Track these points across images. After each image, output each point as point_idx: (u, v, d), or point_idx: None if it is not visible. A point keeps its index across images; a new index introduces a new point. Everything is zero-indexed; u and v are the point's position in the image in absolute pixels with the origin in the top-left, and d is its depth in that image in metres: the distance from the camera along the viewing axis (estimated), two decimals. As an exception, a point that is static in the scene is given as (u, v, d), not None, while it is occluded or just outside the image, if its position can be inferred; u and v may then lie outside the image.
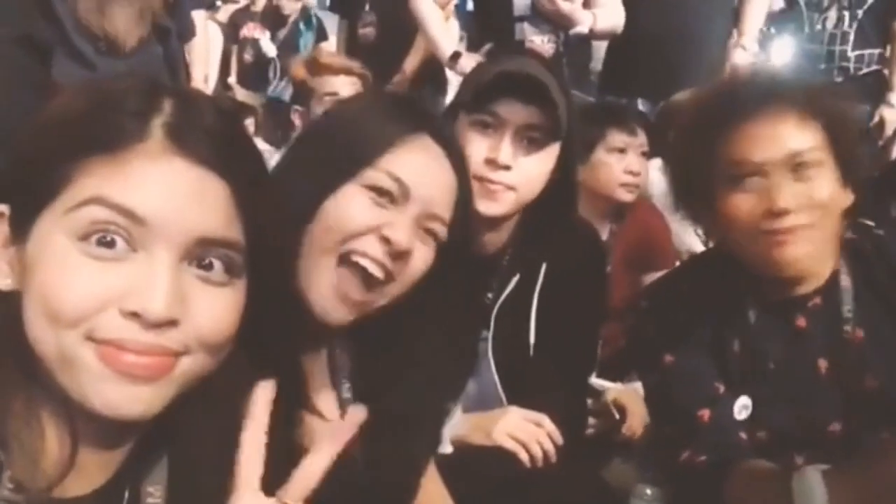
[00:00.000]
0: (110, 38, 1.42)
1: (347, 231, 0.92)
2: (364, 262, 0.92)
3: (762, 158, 1.11)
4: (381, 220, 0.92)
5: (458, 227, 0.98)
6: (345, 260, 0.92)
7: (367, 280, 0.93)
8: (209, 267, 0.63)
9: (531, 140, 1.31)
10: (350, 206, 0.93)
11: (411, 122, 0.97)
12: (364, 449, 0.97)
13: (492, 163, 1.29)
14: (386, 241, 0.92)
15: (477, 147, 1.30)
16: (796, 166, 1.10)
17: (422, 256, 0.95)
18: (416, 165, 0.95)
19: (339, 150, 0.96)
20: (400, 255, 0.92)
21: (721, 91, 1.22)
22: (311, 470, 0.65)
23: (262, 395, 0.64)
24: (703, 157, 1.15)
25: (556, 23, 2.42)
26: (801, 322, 1.18)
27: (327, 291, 0.92)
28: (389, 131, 0.96)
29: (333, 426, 0.67)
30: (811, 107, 1.13)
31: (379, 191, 0.93)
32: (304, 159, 0.99)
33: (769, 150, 1.10)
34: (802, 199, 1.09)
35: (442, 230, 0.96)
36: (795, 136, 1.11)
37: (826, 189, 1.11)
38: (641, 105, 2.72)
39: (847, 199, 1.16)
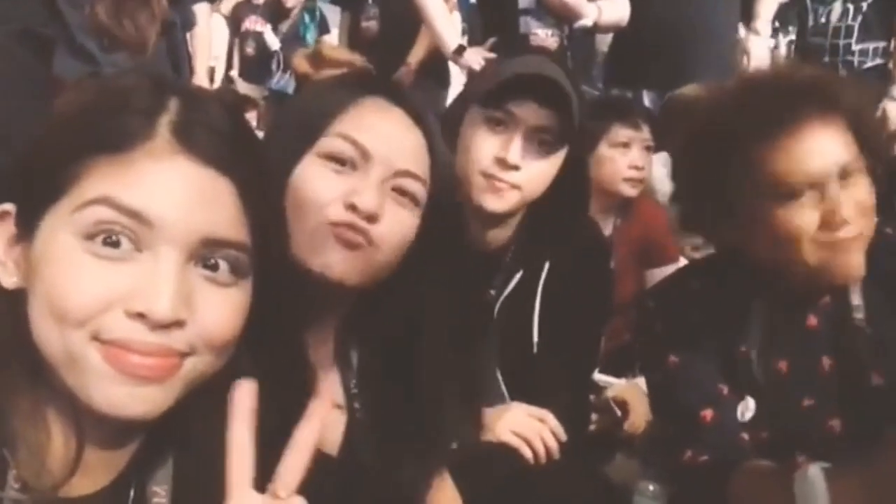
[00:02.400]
0: (135, 39, 1.42)
1: (313, 204, 0.90)
2: (338, 230, 0.89)
3: (816, 172, 1.07)
4: (344, 187, 0.90)
5: (439, 187, 0.94)
6: (324, 232, 0.90)
7: (350, 246, 0.90)
8: (215, 267, 0.63)
9: (542, 142, 1.30)
10: (310, 179, 0.90)
11: (362, 86, 0.94)
12: (371, 447, 0.97)
13: (501, 161, 1.29)
14: (352, 207, 0.89)
15: (487, 144, 1.30)
16: (846, 174, 1.08)
17: (400, 218, 0.92)
18: (372, 125, 0.92)
19: (293, 126, 0.94)
20: (370, 219, 0.89)
21: (754, 92, 1.15)
22: (296, 459, 0.64)
23: (242, 394, 0.63)
24: (738, 170, 1.10)
25: (561, 16, 2.41)
26: (812, 321, 1.18)
27: (329, 246, 0.89)
28: (339, 97, 0.93)
29: (309, 409, 0.66)
30: (846, 114, 1.10)
31: (336, 158, 0.91)
32: (269, 140, 0.98)
33: (822, 163, 1.07)
34: (856, 208, 1.08)
35: (417, 187, 0.92)
36: (839, 146, 1.09)
37: (868, 193, 1.10)
38: (647, 97, 2.70)
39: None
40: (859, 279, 1.13)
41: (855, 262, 1.09)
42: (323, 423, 0.67)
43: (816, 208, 1.08)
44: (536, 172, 1.31)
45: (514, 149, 1.28)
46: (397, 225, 0.91)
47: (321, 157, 0.91)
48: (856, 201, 1.08)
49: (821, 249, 1.09)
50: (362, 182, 0.90)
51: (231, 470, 0.63)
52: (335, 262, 0.89)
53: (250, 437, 0.63)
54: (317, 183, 0.90)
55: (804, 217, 1.09)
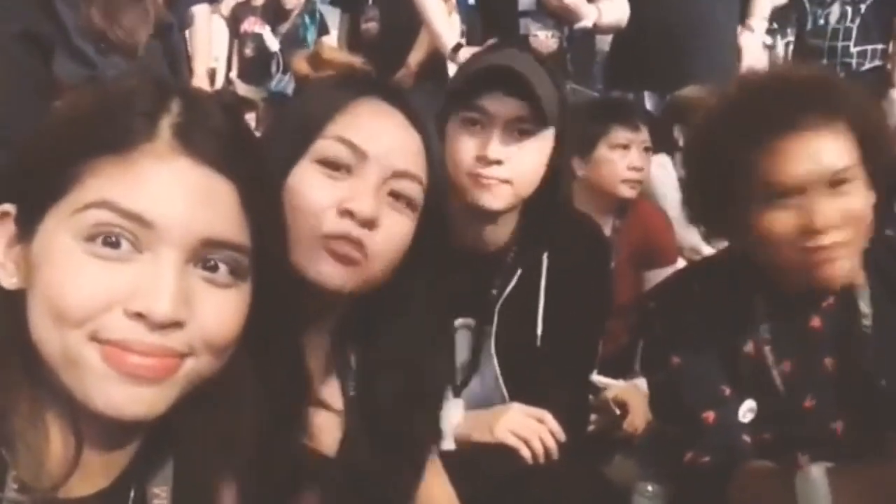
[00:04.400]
0: (122, 39, 1.41)
1: (310, 212, 0.87)
2: (333, 244, 0.87)
3: (801, 177, 1.07)
4: (340, 194, 0.87)
5: (434, 189, 0.92)
6: (320, 242, 0.88)
7: (345, 259, 0.88)
8: (214, 268, 0.63)
9: (521, 131, 1.29)
10: (305, 185, 0.88)
11: (357, 88, 0.92)
12: (368, 448, 0.98)
13: (482, 159, 1.29)
14: (349, 213, 0.86)
15: (468, 144, 1.30)
16: (835, 182, 1.08)
17: (397, 225, 0.89)
18: (368, 126, 0.90)
19: (287, 130, 0.92)
20: (367, 224, 0.86)
21: (749, 100, 1.15)
22: None
23: None
24: (735, 173, 1.11)
25: (561, 17, 2.41)
26: (816, 322, 1.18)
27: (322, 258, 0.87)
28: (334, 99, 0.91)
29: None
30: (848, 119, 1.09)
31: (331, 163, 0.88)
32: (266, 144, 0.93)
33: (808, 169, 1.07)
34: (840, 215, 1.07)
35: (414, 189, 0.90)
36: (834, 152, 1.08)
37: (861, 201, 1.09)
38: (648, 98, 2.71)
39: (873, 199, 1.15)
40: (840, 285, 1.12)
41: (836, 271, 1.08)
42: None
43: (797, 213, 1.08)
44: (523, 163, 1.30)
45: (493, 144, 1.28)
46: (394, 232, 0.89)
47: (316, 163, 0.88)
48: (845, 209, 1.07)
49: (800, 255, 1.09)
50: (359, 186, 0.87)
51: None
52: (330, 275, 0.87)
53: None
54: (311, 190, 0.88)
55: (784, 221, 1.09)
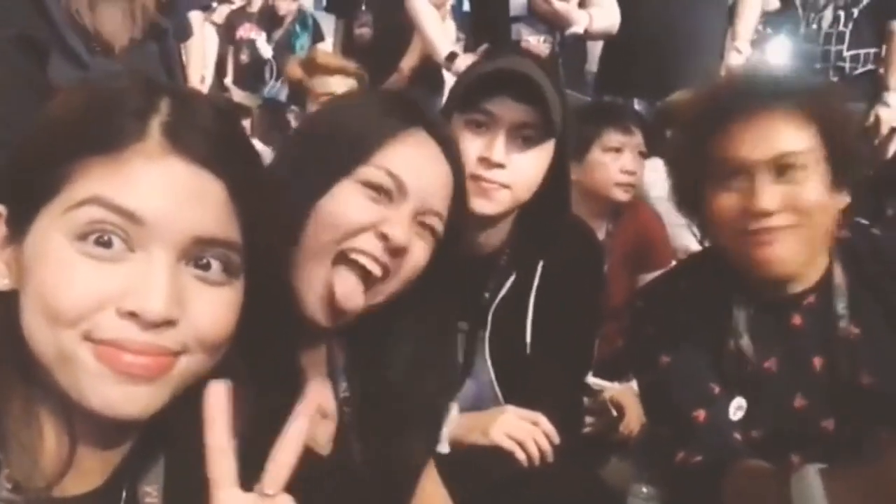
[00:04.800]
0: (102, 37, 1.41)
1: (345, 229, 0.91)
2: (363, 259, 0.91)
3: (746, 157, 1.10)
4: (379, 216, 0.92)
5: (454, 221, 0.97)
6: (342, 258, 0.92)
7: (365, 278, 0.92)
8: (207, 267, 0.64)
9: (525, 138, 1.31)
10: (347, 203, 0.92)
11: (405, 117, 0.96)
12: (361, 447, 0.98)
13: (485, 161, 1.29)
14: (384, 237, 0.91)
15: (470, 146, 1.30)
16: (782, 168, 1.09)
17: (419, 252, 0.95)
18: (412, 160, 0.94)
19: (333, 147, 0.95)
20: (398, 252, 0.92)
21: (716, 91, 1.20)
22: (284, 457, 0.64)
23: (215, 396, 0.63)
24: (695, 157, 1.15)
25: (552, 23, 2.41)
26: (797, 320, 1.18)
27: (319, 296, 0.91)
28: (383, 127, 0.95)
29: (296, 409, 0.66)
30: (808, 109, 1.11)
31: (375, 187, 0.92)
32: (296, 158, 0.98)
33: (755, 150, 1.10)
34: (787, 202, 1.09)
35: (439, 225, 0.96)
36: (785, 137, 1.10)
37: (813, 193, 1.10)
38: (637, 105, 2.72)
39: (840, 201, 1.15)
40: (784, 273, 1.13)
41: (776, 255, 1.10)
42: (311, 422, 0.67)
43: (741, 195, 1.10)
44: (523, 169, 1.31)
45: (498, 147, 1.29)
46: (415, 257, 0.94)
47: (359, 184, 0.92)
48: (790, 196, 1.09)
49: (742, 238, 1.11)
50: (396, 214, 0.92)
51: (213, 471, 0.62)
52: (322, 316, 0.92)
53: (227, 437, 0.63)
54: (353, 209, 0.92)
55: (729, 202, 1.11)
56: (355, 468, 0.97)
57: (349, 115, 0.99)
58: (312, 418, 0.66)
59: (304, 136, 1.05)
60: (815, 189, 1.11)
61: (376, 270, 0.92)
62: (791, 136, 1.10)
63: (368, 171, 0.93)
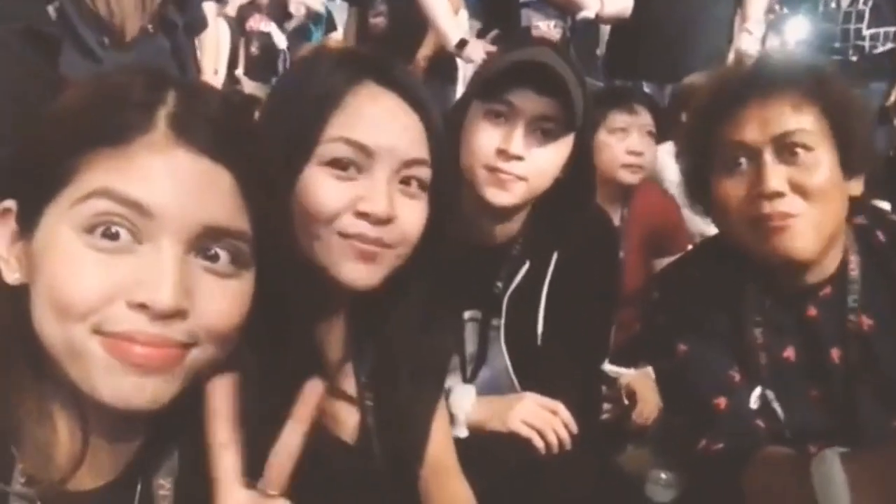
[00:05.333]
0: (115, 23, 1.41)
1: (324, 216, 0.86)
2: (353, 242, 0.87)
3: (751, 139, 1.09)
4: (350, 195, 0.86)
5: (439, 165, 0.91)
6: (339, 242, 0.88)
7: (367, 258, 0.88)
8: (215, 258, 0.63)
9: (545, 131, 1.29)
10: (315, 191, 0.86)
11: (349, 75, 0.88)
12: (378, 433, 0.97)
13: (503, 153, 1.27)
14: (363, 215, 0.86)
15: (489, 137, 1.29)
16: (787, 148, 1.08)
17: (413, 212, 0.89)
18: (368, 118, 0.87)
19: (289, 127, 0.87)
20: (384, 222, 0.87)
21: (726, 76, 1.20)
22: (285, 454, 0.64)
23: (219, 390, 0.63)
24: (704, 142, 1.14)
25: (563, 8, 2.40)
26: (812, 311, 1.17)
27: (350, 260, 0.87)
28: (327, 93, 0.87)
29: (293, 411, 0.65)
30: (809, 90, 1.10)
31: (339, 164, 0.86)
32: (267, 142, 0.90)
33: (757, 131, 1.09)
34: (794, 183, 1.08)
35: (424, 173, 0.89)
36: (786, 117, 1.09)
37: (822, 175, 1.09)
38: (647, 89, 2.70)
39: (853, 187, 1.14)
40: (798, 260, 1.11)
41: (790, 241, 1.08)
42: (311, 423, 0.66)
43: (748, 178, 1.09)
44: (541, 162, 1.29)
45: (517, 139, 1.27)
46: (411, 219, 0.89)
47: (323, 165, 0.87)
48: (798, 178, 1.08)
49: (752, 224, 1.10)
50: (370, 185, 0.86)
51: (215, 466, 0.62)
52: (355, 275, 0.87)
53: (231, 432, 0.63)
54: (323, 194, 0.86)
55: (735, 186, 1.11)
56: (375, 455, 0.97)
57: (297, 86, 0.92)
58: (315, 417, 0.65)
59: (267, 115, 0.96)
60: (823, 172, 1.09)
61: (371, 248, 0.87)
62: (792, 117, 1.09)
63: (325, 149, 0.86)
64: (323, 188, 0.86)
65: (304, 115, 0.88)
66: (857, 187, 1.15)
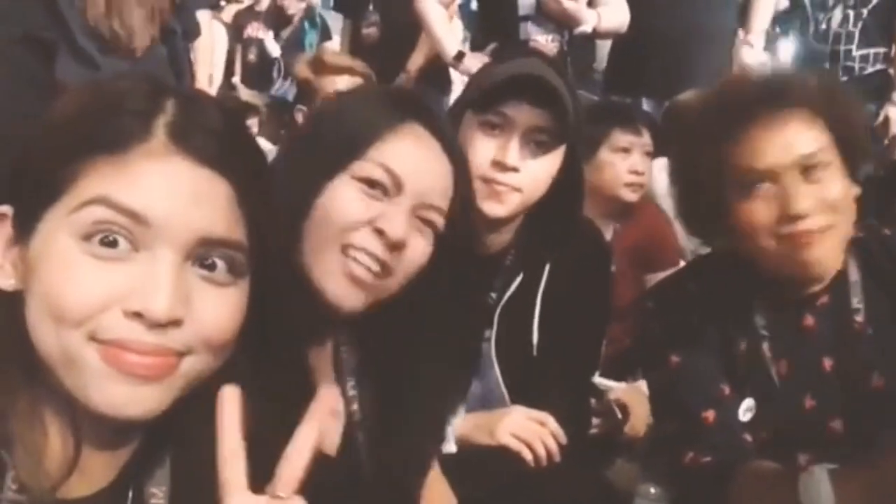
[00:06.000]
0: (123, 40, 1.41)
1: (341, 225, 0.91)
2: (360, 256, 0.91)
3: (772, 164, 1.10)
4: (374, 211, 0.91)
5: (457, 217, 0.96)
6: (345, 251, 0.91)
7: (361, 283, 0.91)
8: (212, 267, 0.63)
9: (539, 143, 1.30)
10: (342, 199, 0.91)
11: (401, 112, 0.95)
12: (368, 447, 0.98)
13: (499, 164, 1.28)
14: (380, 232, 0.90)
15: (484, 148, 1.29)
16: (806, 169, 1.10)
17: (420, 248, 0.94)
18: (408, 155, 0.93)
19: (329, 143, 0.94)
20: (395, 247, 0.91)
21: (725, 94, 1.20)
22: (296, 459, 0.64)
23: (229, 400, 0.63)
24: (711, 165, 1.14)
25: (561, 22, 2.41)
26: (809, 321, 1.18)
27: (339, 278, 0.90)
28: (378, 121, 0.94)
29: (309, 411, 0.66)
30: (815, 106, 1.12)
31: (370, 182, 0.92)
32: (296, 155, 0.98)
33: (779, 155, 1.10)
34: (816, 201, 1.09)
35: (439, 220, 0.95)
36: (803, 138, 1.10)
37: (838, 188, 1.11)
38: (646, 105, 2.71)
39: (856, 190, 1.16)
40: (825, 271, 1.13)
41: (818, 254, 1.10)
42: (323, 424, 0.67)
43: (773, 201, 1.10)
44: (536, 173, 1.30)
45: (512, 150, 1.28)
46: (416, 254, 0.93)
47: (355, 179, 0.92)
48: (820, 196, 1.09)
49: (780, 243, 1.11)
50: (392, 209, 0.91)
51: (224, 473, 0.62)
52: (340, 294, 0.91)
53: (240, 441, 0.63)
54: (348, 204, 0.91)
55: (760, 210, 1.11)
56: (362, 469, 0.97)
57: (346, 111, 0.98)
58: (323, 420, 0.66)
59: (304, 133, 1.05)
60: (839, 184, 1.12)
61: (374, 266, 0.91)
62: (807, 137, 1.11)
63: (363, 167, 0.92)
64: (349, 198, 0.91)
65: (351, 132, 0.93)
66: (857, 188, 1.17)
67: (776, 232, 1.10)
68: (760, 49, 2.89)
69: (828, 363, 1.17)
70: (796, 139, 1.10)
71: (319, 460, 0.93)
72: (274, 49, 5.07)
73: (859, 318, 1.16)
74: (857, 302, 1.17)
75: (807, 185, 1.10)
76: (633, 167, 2.14)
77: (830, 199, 1.10)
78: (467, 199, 1.00)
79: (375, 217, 0.91)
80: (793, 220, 1.09)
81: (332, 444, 0.97)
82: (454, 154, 0.97)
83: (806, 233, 1.09)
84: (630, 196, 2.16)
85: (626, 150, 2.15)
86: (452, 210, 0.96)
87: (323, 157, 0.93)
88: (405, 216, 0.91)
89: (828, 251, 1.11)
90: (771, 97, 1.13)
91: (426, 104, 1.00)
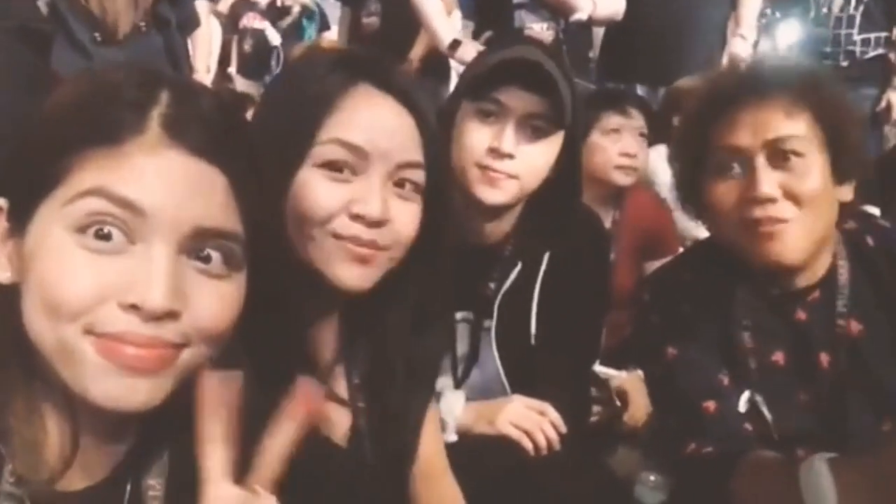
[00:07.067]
0: (108, 20, 1.41)
1: (318, 218, 0.87)
2: (347, 244, 0.87)
3: (744, 144, 1.10)
4: (346, 196, 0.87)
5: (434, 169, 0.91)
6: (336, 237, 0.88)
7: (361, 260, 0.88)
8: (208, 259, 0.63)
9: (535, 128, 1.29)
10: (311, 193, 0.86)
11: (347, 76, 0.88)
12: (355, 434, 0.97)
13: (495, 151, 1.28)
14: (357, 217, 0.86)
15: (479, 135, 1.29)
16: (780, 154, 1.09)
17: (407, 214, 0.89)
18: (362, 120, 0.87)
19: (284, 128, 0.88)
20: (378, 224, 0.87)
21: (718, 80, 1.21)
22: (274, 451, 0.64)
23: (207, 387, 0.63)
24: (697, 146, 1.15)
25: (556, 10, 2.40)
26: (801, 315, 1.18)
27: (341, 263, 0.87)
28: (324, 94, 0.87)
29: (284, 409, 0.66)
30: (802, 95, 1.11)
31: (333, 165, 0.87)
32: (261, 144, 0.93)
33: (751, 136, 1.10)
34: (786, 189, 1.08)
35: (419, 176, 0.90)
36: (779, 122, 1.10)
37: (812, 182, 1.10)
38: (640, 91, 2.70)
39: (844, 193, 1.15)
40: (789, 265, 1.12)
41: (781, 247, 1.09)
42: (303, 422, 0.66)
43: (741, 183, 1.10)
44: (532, 159, 1.30)
45: (507, 137, 1.27)
46: (404, 220, 0.89)
47: (318, 167, 0.87)
48: (789, 184, 1.09)
49: (745, 229, 1.10)
50: (364, 187, 0.87)
51: (204, 461, 0.62)
52: (348, 277, 0.88)
53: (220, 428, 0.62)
54: (318, 195, 0.86)
55: (730, 190, 1.11)
56: (369, 459, 0.97)
57: (290, 92, 0.92)
58: (305, 418, 0.65)
59: (260, 120, 0.96)
60: (815, 178, 1.10)
61: (364, 251, 0.87)
62: (785, 122, 1.10)
63: (320, 151, 0.86)
64: (317, 190, 0.87)
65: (298, 117, 0.88)
66: (847, 193, 1.16)
67: (741, 216, 1.10)
68: (752, 41, 2.88)
69: (824, 358, 1.17)
70: (771, 121, 1.10)
71: (330, 451, 0.94)
72: (274, 38, 5.05)
73: (842, 321, 1.15)
74: (841, 305, 1.16)
75: (779, 172, 1.09)
76: (624, 149, 2.12)
77: (800, 191, 1.09)
78: (440, 149, 0.94)
79: (349, 202, 0.86)
80: (756, 203, 1.08)
81: (342, 434, 0.97)
82: (411, 103, 0.90)
83: (767, 219, 1.08)
84: (622, 179, 2.13)
85: (616, 132, 2.13)
86: (429, 162, 0.90)
87: (280, 154, 0.85)
88: (378, 190, 0.86)
89: (790, 245, 1.09)
90: (757, 83, 1.13)
91: (373, 60, 0.93)
